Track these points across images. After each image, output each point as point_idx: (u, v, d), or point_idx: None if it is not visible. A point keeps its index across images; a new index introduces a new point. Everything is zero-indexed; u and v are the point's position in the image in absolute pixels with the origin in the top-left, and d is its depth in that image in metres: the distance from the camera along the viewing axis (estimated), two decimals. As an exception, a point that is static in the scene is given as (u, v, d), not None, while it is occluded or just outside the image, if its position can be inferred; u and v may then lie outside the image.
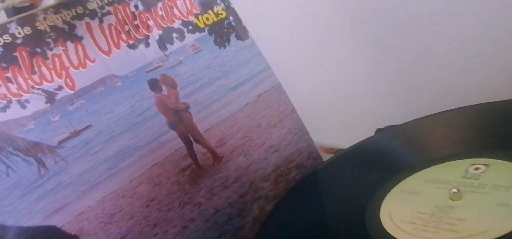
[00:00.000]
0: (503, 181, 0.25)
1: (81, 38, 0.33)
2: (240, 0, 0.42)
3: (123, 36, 0.35)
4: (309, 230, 0.30)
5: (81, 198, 0.30)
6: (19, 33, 0.31)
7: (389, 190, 0.29)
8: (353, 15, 0.47)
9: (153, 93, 0.35)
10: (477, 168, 0.27)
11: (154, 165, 0.33)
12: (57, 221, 0.29)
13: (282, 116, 0.39)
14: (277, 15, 0.56)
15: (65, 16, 0.33)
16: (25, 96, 0.31)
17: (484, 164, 0.27)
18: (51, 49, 0.32)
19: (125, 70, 0.34)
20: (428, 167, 0.30)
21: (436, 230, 0.24)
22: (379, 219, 0.27)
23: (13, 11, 0.38)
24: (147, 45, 0.36)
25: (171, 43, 0.37)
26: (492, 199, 0.24)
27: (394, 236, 0.25)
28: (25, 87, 0.31)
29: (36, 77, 0.31)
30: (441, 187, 0.27)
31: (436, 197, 0.27)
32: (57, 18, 0.33)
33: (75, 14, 0.33)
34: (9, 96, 0.30)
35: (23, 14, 0.32)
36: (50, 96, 0.31)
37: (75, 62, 0.33)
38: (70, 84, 0.32)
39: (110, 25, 0.34)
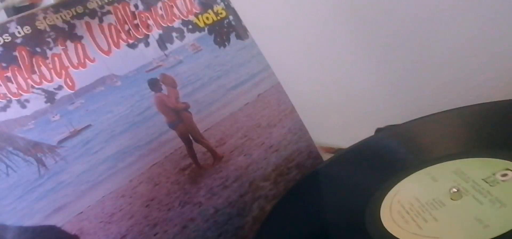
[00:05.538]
0: (508, 198, 0.23)
1: (81, 37, 0.33)
2: (240, -1, 0.42)
3: (123, 36, 0.35)
4: (309, 230, 0.29)
5: (81, 198, 0.30)
6: (19, 33, 0.31)
7: (390, 188, 0.29)
8: (353, 15, 0.47)
9: (153, 92, 0.35)
10: (504, 174, 0.25)
11: (154, 164, 0.33)
12: (57, 220, 0.29)
13: (282, 115, 0.39)
14: (277, 15, 0.56)
15: (65, 15, 0.33)
16: (25, 95, 0.30)
17: None
18: (51, 49, 0.32)
19: (125, 69, 0.34)
20: (465, 158, 0.28)
21: (408, 221, 0.24)
22: (379, 214, 0.27)
23: (13, 10, 0.38)
24: (147, 44, 0.36)
25: (171, 42, 0.37)
26: (479, 210, 0.23)
27: (382, 219, 0.26)
28: (25, 87, 0.31)
29: (36, 77, 0.31)
30: (456, 181, 0.26)
31: (440, 190, 0.26)
32: (57, 18, 0.33)
33: (75, 13, 0.33)
34: (9, 95, 0.30)
35: (23, 14, 0.32)
36: (50, 96, 0.31)
37: (75, 61, 0.33)
38: (70, 83, 0.32)
39: (110, 25, 0.34)
